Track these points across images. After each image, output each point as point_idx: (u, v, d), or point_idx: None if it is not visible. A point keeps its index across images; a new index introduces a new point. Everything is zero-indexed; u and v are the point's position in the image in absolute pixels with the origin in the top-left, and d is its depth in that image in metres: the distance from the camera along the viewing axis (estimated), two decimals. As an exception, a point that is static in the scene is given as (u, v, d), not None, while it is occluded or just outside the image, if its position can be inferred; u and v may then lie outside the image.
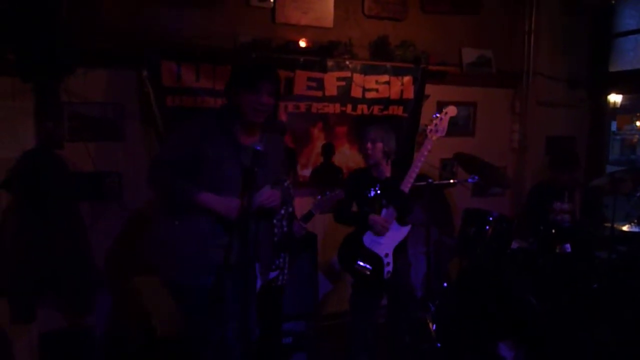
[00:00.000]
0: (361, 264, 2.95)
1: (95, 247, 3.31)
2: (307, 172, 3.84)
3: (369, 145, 3.01)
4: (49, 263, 3.05)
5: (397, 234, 2.97)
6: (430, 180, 3.33)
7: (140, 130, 3.38)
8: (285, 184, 3.12)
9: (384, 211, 2.95)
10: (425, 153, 2.93)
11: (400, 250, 2.99)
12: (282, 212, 3.06)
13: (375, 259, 2.94)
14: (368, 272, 2.94)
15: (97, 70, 3.25)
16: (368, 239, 2.96)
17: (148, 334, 3.22)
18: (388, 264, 2.93)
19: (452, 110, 2.97)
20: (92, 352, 3.08)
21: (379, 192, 3.02)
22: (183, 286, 2.17)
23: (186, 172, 2.12)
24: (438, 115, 2.96)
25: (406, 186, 2.87)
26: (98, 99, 3.29)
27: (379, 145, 3.01)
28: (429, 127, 2.96)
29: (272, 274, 2.98)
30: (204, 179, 2.13)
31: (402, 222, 2.99)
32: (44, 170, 3.06)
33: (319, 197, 2.94)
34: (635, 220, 3.51)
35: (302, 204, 3.56)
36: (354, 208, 3.21)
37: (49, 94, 3.14)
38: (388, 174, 3.08)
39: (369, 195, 3.04)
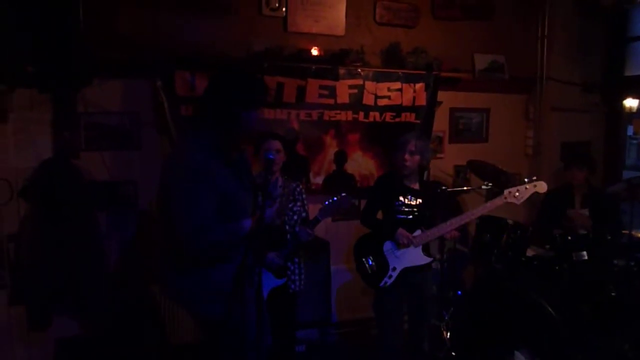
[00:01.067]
0: (369, 261, 3.00)
1: (111, 254, 3.35)
2: (319, 180, 3.85)
3: (407, 156, 2.96)
4: (66, 270, 3.09)
5: (416, 258, 2.97)
6: (444, 187, 3.32)
7: (155, 138, 3.42)
8: (298, 188, 3.13)
9: (417, 232, 2.96)
10: (491, 208, 2.92)
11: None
12: (295, 217, 3.07)
13: (383, 266, 2.96)
14: (369, 272, 2.99)
15: (113, 81, 3.31)
16: (389, 246, 2.97)
17: (162, 341, 3.24)
18: (390, 277, 2.94)
19: (542, 187, 2.88)
20: (107, 358, 3.10)
21: (420, 201, 3.00)
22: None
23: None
24: (526, 185, 2.87)
25: (450, 227, 2.91)
26: (114, 108, 3.35)
27: (417, 158, 2.99)
28: (508, 190, 2.90)
29: (279, 281, 2.98)
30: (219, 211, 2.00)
31: (427, 252, 3.01)
32: (60, 179, 3.11)
33: (326, 202, 2.94)
34: (654, 227, 3.45)
35: (314, 212, 3.57)
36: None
37: (66, 105, 3.21)
38: (417, 184, 3.07)
39: (398, 205, 3.00)
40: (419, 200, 3.00)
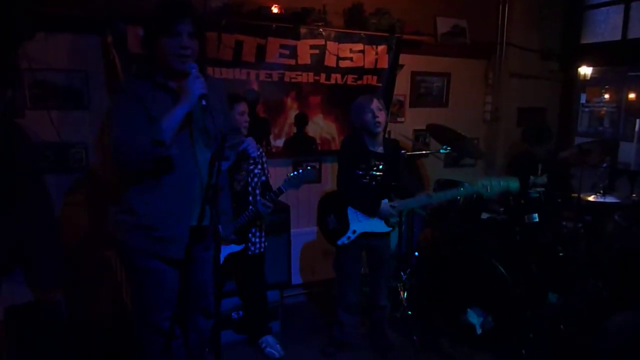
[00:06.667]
0: (333, 219, 3.04)
1: (62, 219, 3.22)
2: (280, 143, 3.79)
3: (377, 113, 2.91)
4: (14, 237, 2.96)
5: (377, 226, 2.99)
6: (403, 152, 3.34)
7: (106, 98, 3.25)
8: (258, 152, 3.09)
9: (396, 202, 2.97)
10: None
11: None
12: (255, 179, 3.04)
13: (343, 226, 3.00)
14: (329, 228, 3.06)
15: (59, 35, 3.10)
16: (353, 209, 2.99)
17: (118, 307, 3.19)
18: (349, 237, 2.98)
19: None
20: (60, 326, 3.03)
21: (383, 166, 2.97)
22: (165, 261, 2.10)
23: None
24: None
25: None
26: (61, 65, 3.14)
27: (384, 114, 2.97)
28: None
29: (237, 247, 2.98)
30: None
31: (387, 222, 3.01)
32: (4, 139, 2.93)
33: (290, 174, 2.92)
34: (601, 191, 3.60)
35: (275, 175, 3.54)
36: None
37: (7, 60, 2.98)
38: (381, 147, 3.03)
39: (363, 170, 2.97)
40: (382, 165, 2.99)
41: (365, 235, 2.99)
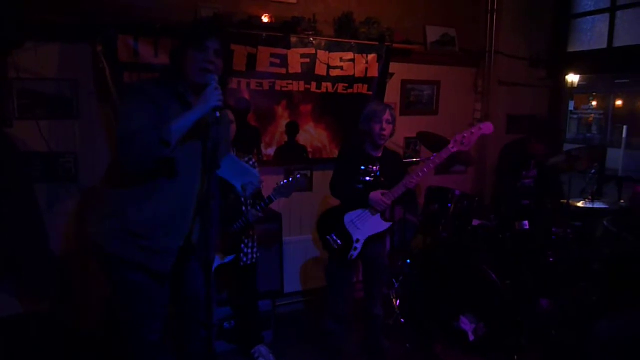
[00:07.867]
0: (334, 237, 2.99)
1: (52, 229, 3.19)
2: (271, 151, 3.79)
3: (385, 126, 2.93)
4: (3, 247, 2.92)
5: (376, 226, 2.96)
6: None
7: (96, 107, 3.24)
8: (251, 162, 3.09)
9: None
10: (437, 162, 2.86)
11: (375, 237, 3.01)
12: None
13: (347, 239, 2.97)
14: (336, 247, 2.99)
15: (48, 45, 3.09)
16: (349, 218, 2.97)
17: (109, 317, 3.15)
18: (355, 248, 2.96)
19: (487, 128, 2.81)
20: (49, 337, 2.99)
21: (377, 173, 2.98)
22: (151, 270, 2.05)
23: None
24: (472, 129, 2.81)
25: (412, 183, 2.87)
26: (50, 74, 3.13)
27: (392, 127, 2.98)
28: (455, 137, 2.83)
29: (227, 258, 2.97)
30: None
31: (385, 218, 2.97)
32: (-8, 149, 2.90)
33: (281, 183, 2.92)
34: (590, 197, 3.63)
35: (267, 183, 3.53)
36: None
37: (-4, 70, 2.97)
38: (380, 152, 3.05)
39: (364, 174, 2.98)
40: (377, 166, 3.00)
41: (366, 241, 2.97)
